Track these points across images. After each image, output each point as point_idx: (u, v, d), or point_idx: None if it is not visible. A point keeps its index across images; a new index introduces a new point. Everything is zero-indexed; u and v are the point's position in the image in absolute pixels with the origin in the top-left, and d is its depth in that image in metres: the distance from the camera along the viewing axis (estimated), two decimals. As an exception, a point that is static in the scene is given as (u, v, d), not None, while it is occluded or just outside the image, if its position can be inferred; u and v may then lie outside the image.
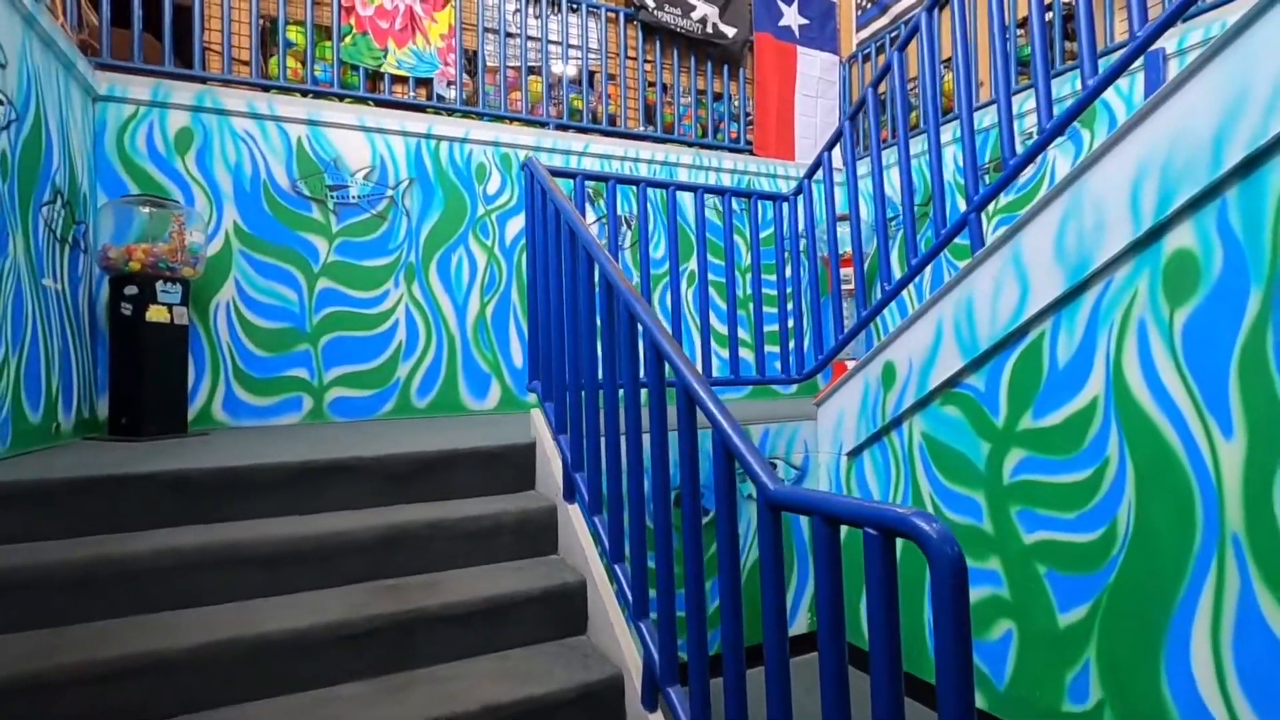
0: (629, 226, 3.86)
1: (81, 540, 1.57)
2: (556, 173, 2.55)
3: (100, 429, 2.73)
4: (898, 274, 3.74)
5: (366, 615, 1.50)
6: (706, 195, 3.32)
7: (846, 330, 2.91)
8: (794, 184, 4.36)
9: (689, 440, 1.34)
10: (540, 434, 2.08)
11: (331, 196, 3.22)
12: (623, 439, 1.57)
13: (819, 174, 3.16)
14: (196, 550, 1.55)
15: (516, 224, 3.61)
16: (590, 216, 3.79)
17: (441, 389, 3.40)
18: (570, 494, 1.85)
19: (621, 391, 1.58)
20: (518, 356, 3.57)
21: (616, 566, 1.55)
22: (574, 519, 1.81)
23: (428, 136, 3.43)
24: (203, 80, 3.09)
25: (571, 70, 3.98)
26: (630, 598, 1.47)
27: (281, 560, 1.60)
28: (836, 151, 3.29)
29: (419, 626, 1.54)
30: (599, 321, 1.68)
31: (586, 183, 2.94)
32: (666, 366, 1.38)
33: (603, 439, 1.64)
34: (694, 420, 1.33)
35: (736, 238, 4.19)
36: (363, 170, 3.29)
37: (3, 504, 1.55)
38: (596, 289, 1.72)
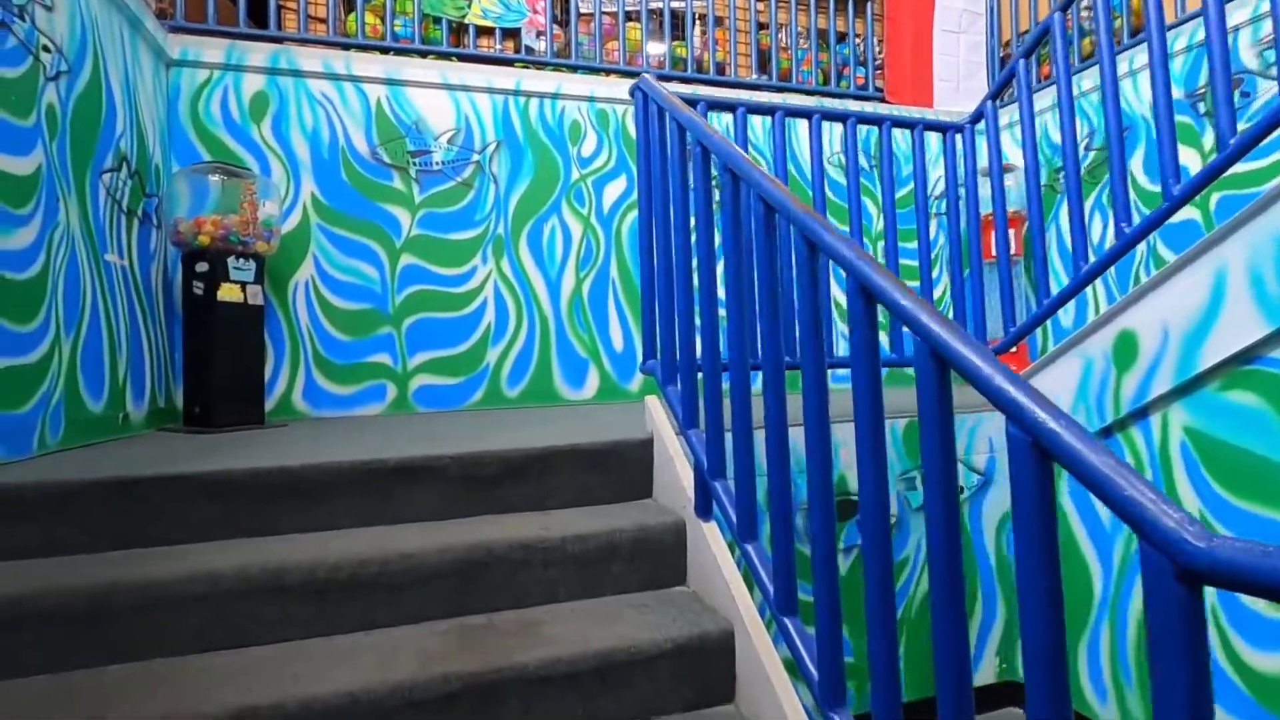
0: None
1: (101, 558, 1.25)
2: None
3: (178, 419, 2.52)
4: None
5: (442, 674, 1.10)
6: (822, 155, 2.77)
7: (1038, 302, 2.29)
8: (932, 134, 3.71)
9: (938, 433, 0.83)
10: (659, 427, 1.63)
11: (413, 163, 2.91)
12: (794, 433, 1.09)
13: (980, 124, 2.57)
14: (235, 574, 1.20)
15: (616, 189, 3.19)
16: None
17: (534, 376, 3.03)
18: (705, 508, 1.39)
19: (784, 367, 1.09)
20: (618, 339, 3.15)
21: (787, 620, 1.07)
22: (711, 542, 1.35)
23: (516, 93, 3.05)
24: (278, 40, 2.84)
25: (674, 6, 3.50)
26: (814, 673, 0.99)
27: (337, 590, 1.23)
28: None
29: (511, 691, 1.12)
30: (754, 270, 1.20)
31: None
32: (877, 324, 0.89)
33: (757, 434, 1.17)
34: (945, 401, 0.83)
35: (865, 199, 3.59)
36: (446, 133, 2.96)
37: (14, 510, 1.26)
38: (746, 225, 1.24)
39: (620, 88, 3.19)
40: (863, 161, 3.61)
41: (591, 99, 3.16)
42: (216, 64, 2.69)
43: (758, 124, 3.40)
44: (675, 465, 1.51)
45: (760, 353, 1.19)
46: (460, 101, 2.98)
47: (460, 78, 2.98)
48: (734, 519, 1.20)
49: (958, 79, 3.84)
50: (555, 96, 3.11)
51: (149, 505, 1.31)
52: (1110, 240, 1.76)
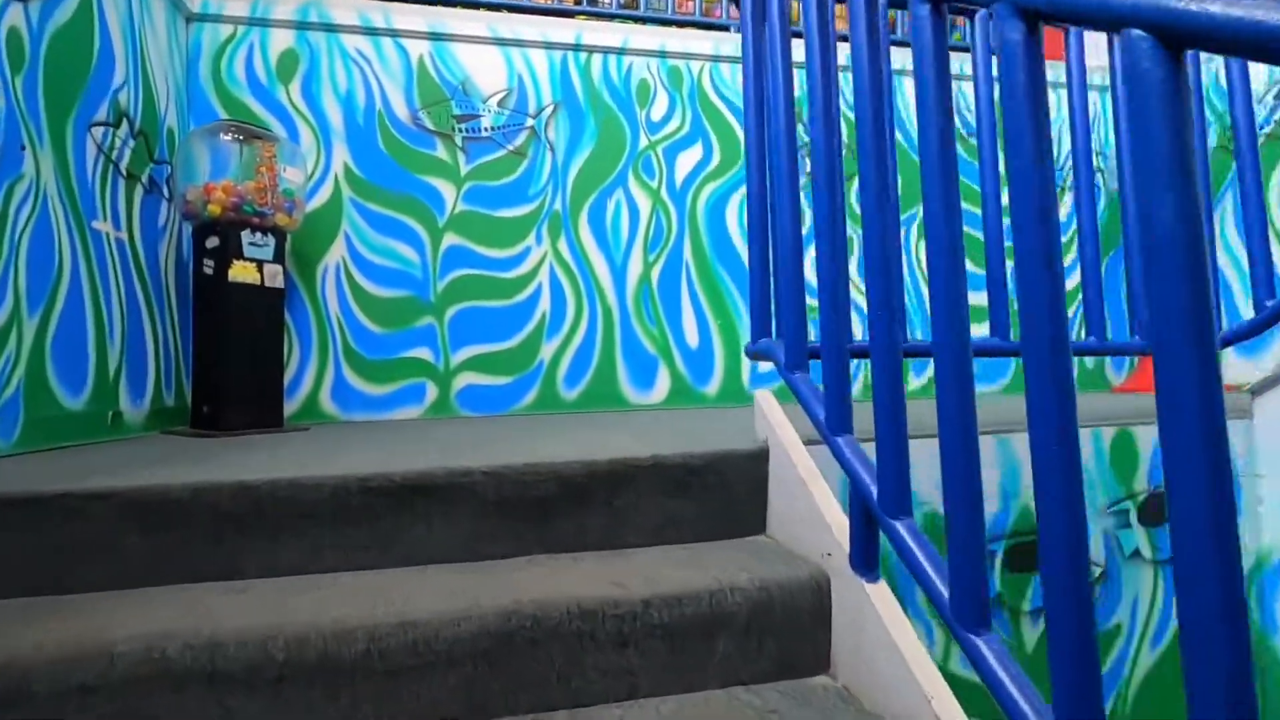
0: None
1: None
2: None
3: (189, 420, 2.18)
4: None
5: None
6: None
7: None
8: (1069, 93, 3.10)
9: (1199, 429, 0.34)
10: (778, 434, 1.14)
11: (459, 129, 2.52)
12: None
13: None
14: (143, 651, 0.78)
15: (690, 158, 2.72)
16: (784, 148, 2.81)
17: (595, 376, 2.58)
18: (870, 560, 0.89)
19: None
20: (692, 334, 2.68)
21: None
22: (881, 612, 0.85)
23: (576, 48, 2.64)
24: (310, -8, 2.52)
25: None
26: None
27: (300, 677, 0.79)
28: None
29: None
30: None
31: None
32: None
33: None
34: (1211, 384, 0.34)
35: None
36: (497, 95, 2.56)
37: None
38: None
39: (696, 41, 2.74)
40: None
41: (662, 54, 2.72)
42: (240, 18, 2.37)
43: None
44: (808, 490, 1.02)
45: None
46: (513, 58, 2.59)
47: (513, 31, 2.58)
48: (943, 590, 0.70)
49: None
50: (621, 52, 2.68)
51: (46, 534, 0.91)
52: None
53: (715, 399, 2.68)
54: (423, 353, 2.46)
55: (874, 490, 0.82)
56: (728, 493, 1.14)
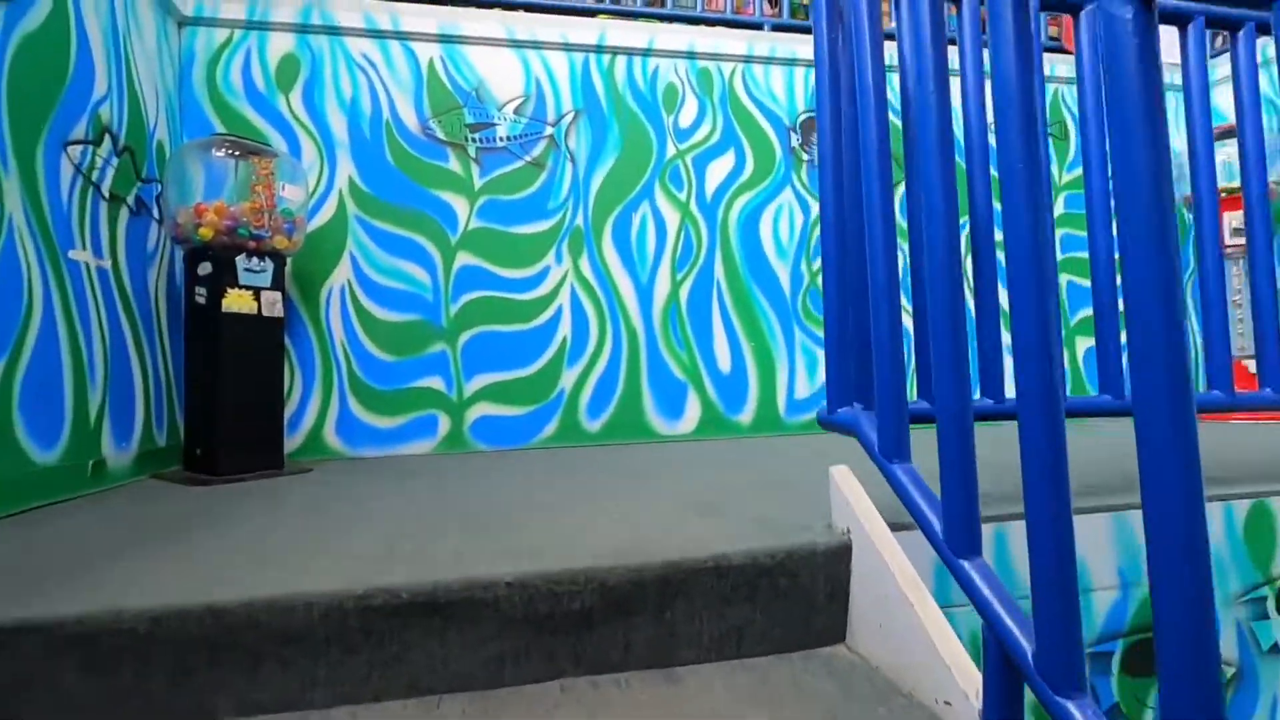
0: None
1: None
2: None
3: (181, 459, 2.01)
4: None
5: None
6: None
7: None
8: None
9: None
10: (866, 528, 0.93)
11: (473, 140, 2.33)
12: None
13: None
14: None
15: (722, 167, 2.52)
16: (822, 155, 2.60)
17: (620, 405, 2.39)
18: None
19: None
20: (724, 358, 2.48)
21: None
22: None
23: (598, 49, 2.44)
24: (312, -7, 2.33)
25: (790, -47, 2.82)
26: None
27: None
28: None
29: None
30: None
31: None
32: None
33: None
34: None
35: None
36: (513, 102, 2.37)
37: None
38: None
39: (728, 41, 2.53)
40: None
41: (691, 55, 2.51)
42: (237, 21, 2.19)
43: (902, 82, 2.66)
44: (911, 609, 0.82)
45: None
46: (530, 62, 2.39)
47: (530, 32, 2.39)
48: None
49: None
50: (647, 53, 2.48)
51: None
52: None
53: (749, 428, 2.48)
54: (434, 382, 2.27)
55: (1029, 650, 0.62)
56: (802, 596, 0.94)
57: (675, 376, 2.45)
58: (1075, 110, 2.87)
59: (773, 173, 2.56)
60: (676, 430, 2.44)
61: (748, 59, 2.55)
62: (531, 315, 2.35)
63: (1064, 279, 2.79)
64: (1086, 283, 2.90)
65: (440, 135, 2.31)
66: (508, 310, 2.33)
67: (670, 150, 2.48)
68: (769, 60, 2.57)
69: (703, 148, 2.51)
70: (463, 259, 2.31)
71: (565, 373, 2.36)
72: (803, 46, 2.58)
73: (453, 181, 2.31)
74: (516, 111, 2.37)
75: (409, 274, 2.27)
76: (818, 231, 2.53)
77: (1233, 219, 2.50)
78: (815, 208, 2.58)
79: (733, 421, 2.48)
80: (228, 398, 1.84)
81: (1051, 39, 2.93)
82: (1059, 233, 2.80)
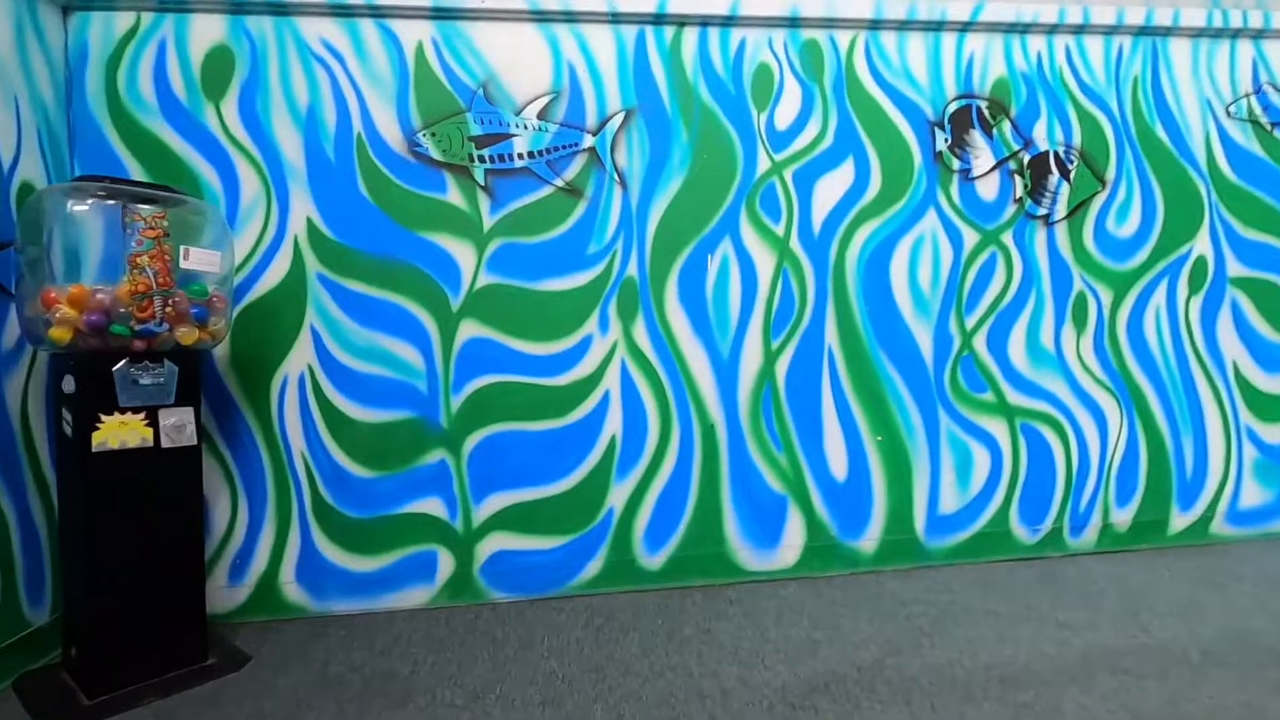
0: (1028, 173, 1.80)
1: None
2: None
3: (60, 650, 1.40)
4: None
5: None
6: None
7: None
8: None
9: None
10: None
11: (481, 158, 1.63)
12: None
13: None
14: None
15: (837, 184, 1.75)
16: (981, 145, 1.80)
17: (690, 531, 1.69)
18: None
19: None
20: (838, 458, 1.74)
21: None
22: None
23: (656, 21, 1.69)
24: (253, -45, 1.66)
25: None
26: None
27: None
28: None
29: None
30: None
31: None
32: None
33: None
34: None
35: (1296, 181, 1.92)
36: (537, 101, 1.65)
37: None
38: None
39: (845, 2, 1.74)
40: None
41: (793, 22, 1.73)
42: (145, 3, 1.54)
43: (1095, 54, 1.83)
44: None
45: None
46: (561, 41, 1.66)
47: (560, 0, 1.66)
48: None
49: None
50: (728, 22, 1.71)
51: None
52: None
53: (873, 558, 1.75)
54: (431, 505, 1.62)
55: None
56: None
57: (770, 487, 1.72)
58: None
59: (910, 190, 1.78)
60: (771, 564, 1.72)
61: (875, 25, 1.76)
62: (567, 407, 1.66)
63: None
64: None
65: (434, 153, 1.62)
66: (533, 401, 1.64)
67: (762, 163, 1.73)
68: (905, 25, 1.76)
69: (809, 157, 1.75)
70: (469, 330, 1.63)
71: (614, 487, 1.67)
72: (954, 3, 1.76)
73: (453, 219, 1.62)
74: (542, 115, 1.65)
75: (393, 354, 1.60)
76: (976, 269, 1.75)
77: None
78: (971, 236, 1.79)
79: (850, 549, 1.75)
80: (109, 574, 1.22)
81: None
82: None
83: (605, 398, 1.67)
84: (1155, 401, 1.87)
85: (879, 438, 1.76)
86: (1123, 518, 1.85)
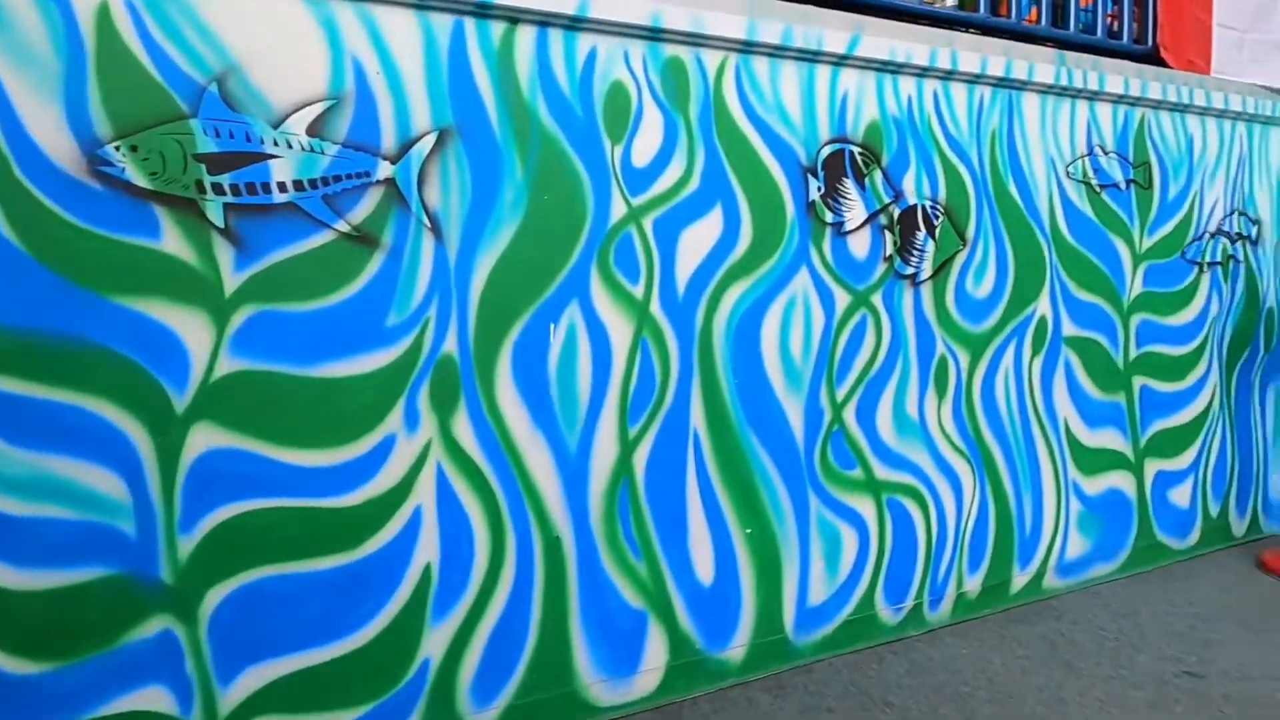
0: (897, 229, 1.67)
1: None
2: None
3: None
4: None
5: None
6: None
7: None
8: (1216, 121, 2.17)
9: None
10: None
11: (214, 188, 1.11)
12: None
13: None
14: None
15: (703, 237, 1.47)
16: (854, 196, 1.61)
17: (530, 673, 1.34)
18: None
19: None
20: (704, 561, 1.49)
21: None
22: None
23: (480, 11, 1.26)
24: None
25: None
26: None
27: None
28: None
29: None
30: None
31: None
32: None
33: None
34: None
35: (1117, 239, 1.99)
36: (306, 110, 1.16)
37: None
38: None
39: (716, 11, 1.43)
40: (1116, 174, 1.98)
41: (655, 34, 1.40)
42: None
43: (959, 102, 1.73)
44: None
45: None
46: (340, 25, 1.18)
47: (339, -37, 1.16)
48: None
49: (1245, 25, 2.22)
50: (574, 24, 1.33)
51: None
52: None
53: (741, 667, 1.53)
54: (151, 698, 1.10)
55: None
56: None
57: (628, 603, 1.43)
58: (1169, 147, 2.07)
59: (782, 244, 1.54)
60: (629, 694, 1.43)
61: (747, 47, 1.48)
62: (361, 535, 1.22)
63: (1136, 381, 2.04)
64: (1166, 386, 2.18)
65: (136, 177, 1.06)
66: (311, 531, 1.18)
67: (617, 208, 1.39)
68: (779, 52, 1.51)
69: (672, 202, 1.44)
70: (205, 439, 1.11)
71: (430, 632, 1.27)
72: (831, 30, 1.54)
73: (171, 278, 1.09)
74: (315, 131, 1.16)
75: (75, 484, 1.05)
76: (848, 334, 1.57)
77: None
78: (843, 298, 1.61)
79: (717, 662, 1.51)
80: None
81: (1134, 42, 2.08)
82: (1134, 319, 2.02)
83: (415, 517, 1.26)
84: (1003, 464, 1.84)
85: (748, 530, 1.54)
86: (973, 584, 1.82)
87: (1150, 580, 2.01)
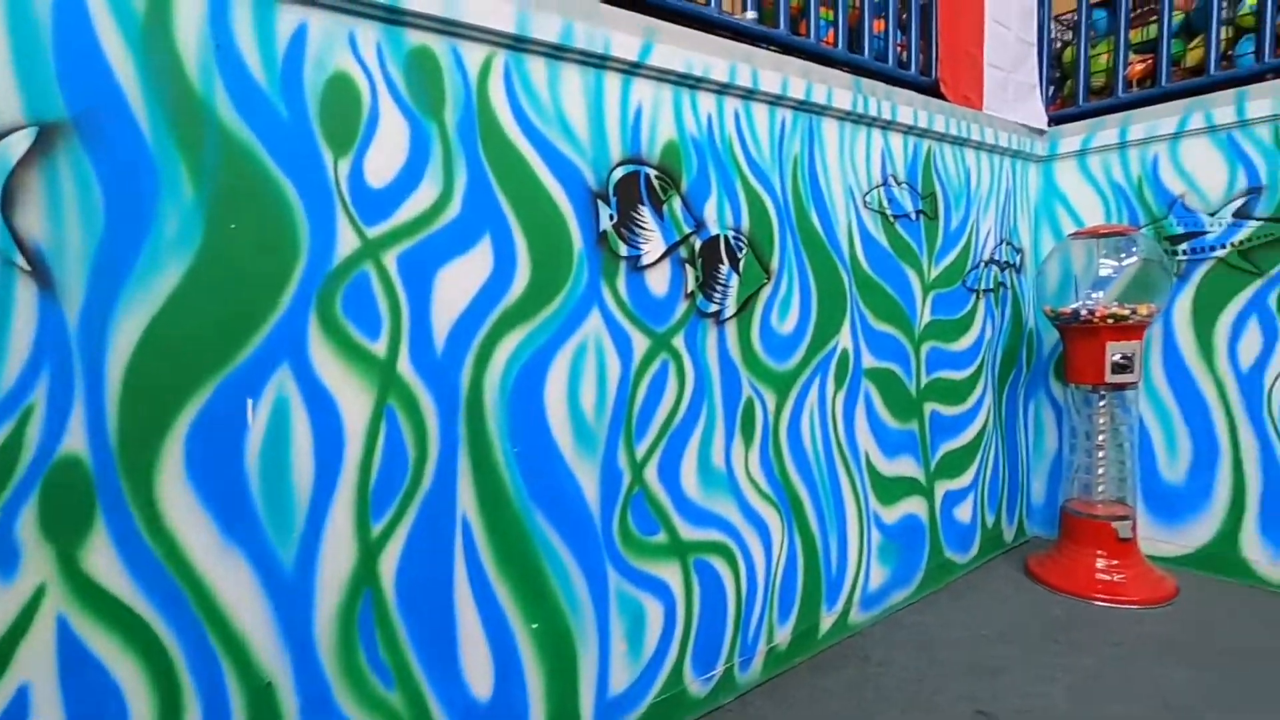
0: (699, 262, 1.52)
1: None
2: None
3: None
4: None
5: None
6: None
7: None
8: (988, 155, 2.32)
9: None
10: None
11: None
12: None
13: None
14: None
15: (465, 276, 1.18)
16: (651, 226, 1.41)
17: None
18: None
19: None
20: (479, 669, 1.22)
21: None
22: None
23: (112, -45, 0.86)
24: None
25: None
26: None
27: None
28: None
29: None
30: None
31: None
32: None
33: None
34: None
35: (909, 269, 2.01)
36: None
37: None
38: None
39: (478, 6, 1.14)
40: (907, 204, 2.00)
41: (393, 14, 1.08)
42: None
43: (761, 124, 1.61)
44: None
45: None
46: None
47: None
48: None
49: (1009, 66, 2.37)
50: (270, -10, 0.97)
51: None
52: None
53: (532, 789, 1.28)
54: None
55: None
56: None
57: (375, 749, 1.11)
58: (950, 178, 2.12)
59: (569, 283, 1.30)
60: None
61: (518, 43, 1.21)
62: (-91, 748, 0.79)
63: (927, 407, 2.08)
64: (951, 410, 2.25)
65: None
66: None
67: (346, 241, 1.06)
68: (560, 53, 1.26)
69: (425, 233, 1.13)
70: None
71: None
72: (624, 33, 1.32)
73: None
74: None
75: None
76: (647, 382, 1.38)
77: (1119, 353, 2.00)
78: (641, 342, 1.40)
79: (501, 790, 1.25)
80: None
81: (920, 73, 2.11)
82: (925, 347, 2.06)
83: (20, 698, 0.84)
84: (809, 505, 1.77)
85: (534, 625, 1.28)
86: (783, 635, 1.72)
87: (941, 601, 2.07)
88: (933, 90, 2.09)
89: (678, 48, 1.41)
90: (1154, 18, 2.27)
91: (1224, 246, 2.07)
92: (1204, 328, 2.12)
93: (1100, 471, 2.11)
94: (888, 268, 1.94)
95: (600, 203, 1.34)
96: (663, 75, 1.41)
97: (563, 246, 1.29)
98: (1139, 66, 2.34)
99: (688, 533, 1.51)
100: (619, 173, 1.36)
